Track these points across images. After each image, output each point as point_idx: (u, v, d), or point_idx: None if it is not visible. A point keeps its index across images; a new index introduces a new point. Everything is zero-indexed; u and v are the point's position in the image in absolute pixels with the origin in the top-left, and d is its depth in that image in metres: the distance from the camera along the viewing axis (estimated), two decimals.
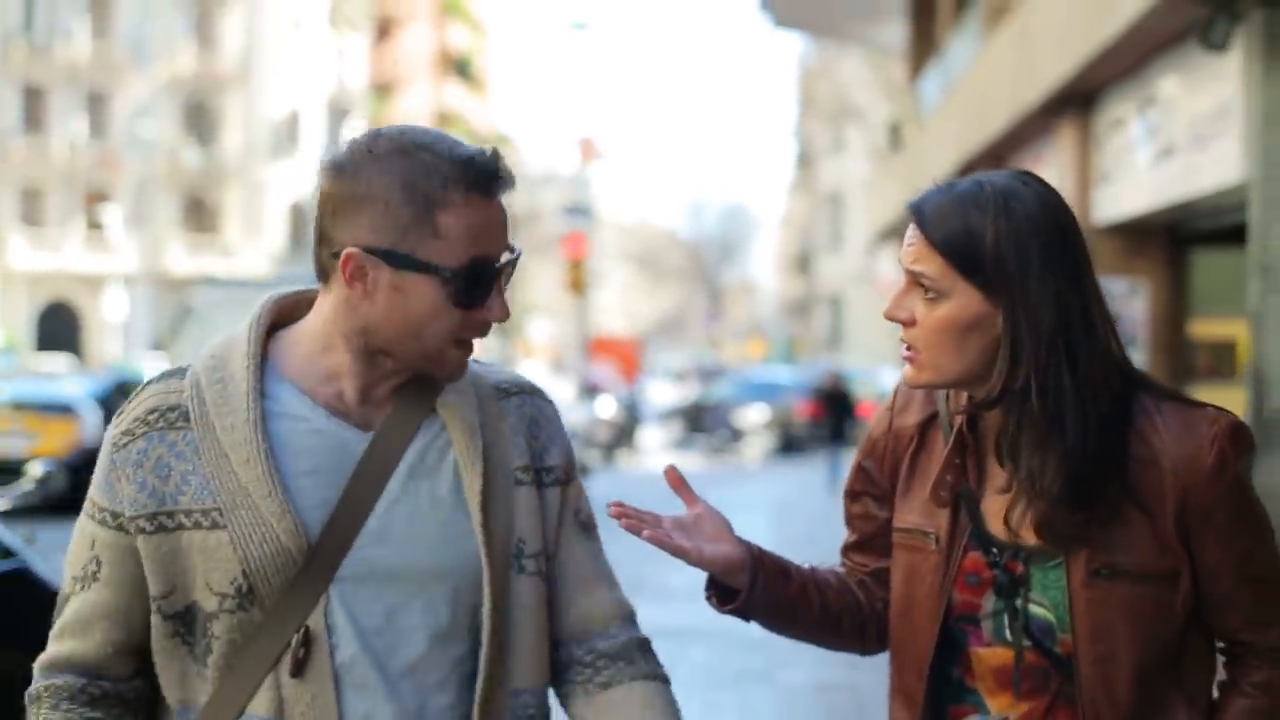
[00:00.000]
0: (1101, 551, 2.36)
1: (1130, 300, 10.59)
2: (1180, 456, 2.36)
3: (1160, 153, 9.22)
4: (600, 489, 23.24)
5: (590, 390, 34.72)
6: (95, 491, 2.26)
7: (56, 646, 2.28)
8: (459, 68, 76.42)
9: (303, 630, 2.18)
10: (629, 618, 2.42)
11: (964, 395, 2.46)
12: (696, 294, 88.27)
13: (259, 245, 58.22)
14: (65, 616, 2.28)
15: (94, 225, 55.94)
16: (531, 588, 2.31)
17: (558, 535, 2.38)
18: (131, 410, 2.27)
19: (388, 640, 2.22)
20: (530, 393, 2.43)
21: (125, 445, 2.23)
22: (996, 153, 14.39)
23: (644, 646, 2.41)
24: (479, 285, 2.21)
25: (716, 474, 28.50)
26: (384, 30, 69.22)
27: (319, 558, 2.19)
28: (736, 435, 36.05)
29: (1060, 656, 2.40)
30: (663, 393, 49.36)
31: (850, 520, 2.68)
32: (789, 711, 9.15)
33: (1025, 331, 2.35)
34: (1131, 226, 10.71)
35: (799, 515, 19.94)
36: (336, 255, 2.20)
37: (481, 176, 2.19)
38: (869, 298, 51.06)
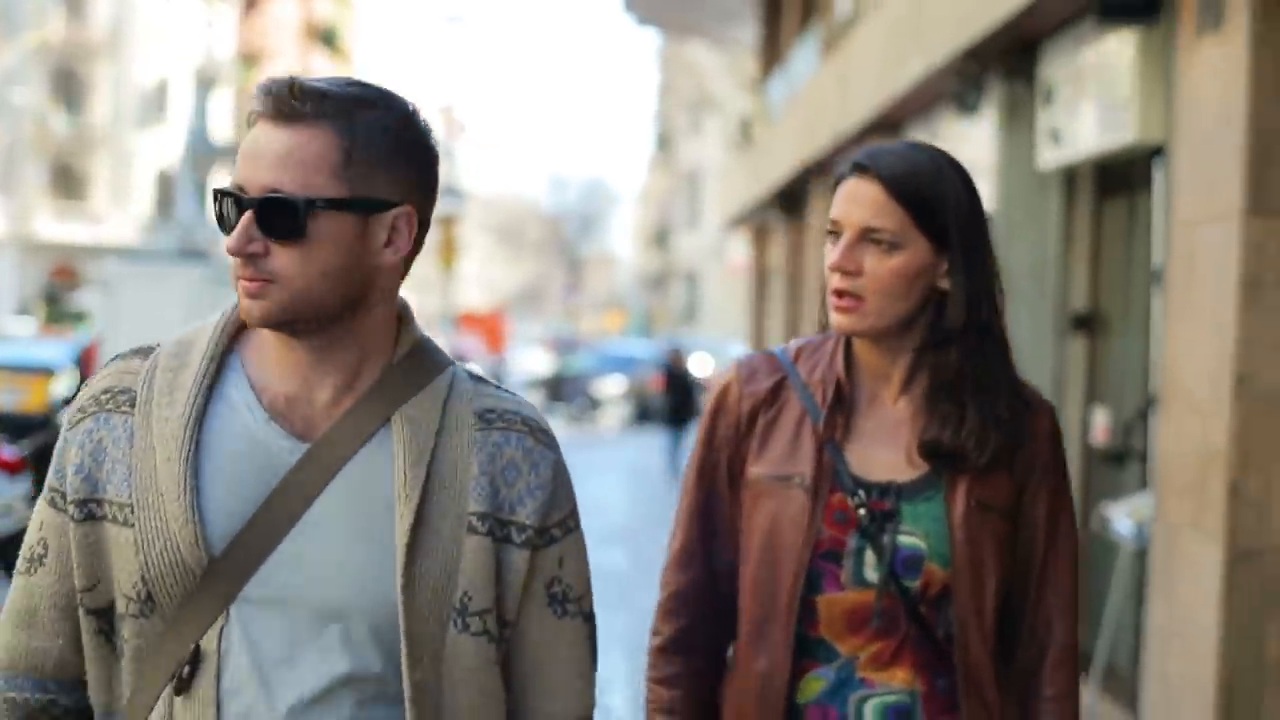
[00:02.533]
0: (978, 486, 2.56)
1: None
2: (1032, 427, 2.62)
3: None
4: None
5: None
6: (51, 468, 2.14)
7: (10, 639, 2.14)
8: (324, 38, 76.47)
9: (193, 648, 2.04)
10: (580, 716, 2.17)
11: (836, 355, 2.65)
12: (556, 266, 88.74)
13: (126, 213, 58.37)
14: (12, 599, 2.16)
15: None
16: (475, 649, 2.07)
17: (521, 604, 2.12)
18: (89, 387, 2.14)
19: (285, 673, 2.04)
20: (522, 430, 2.13)
21: (77, 423, 2.12)
22: (823, 167, 16.31)
23: None
24: (226, 213, 2.02)
25: (576, 440, 30.02)
26: (252, 1, 69.10)
27: (222, 574, 2.02)
28: (595, 404, 37.42)
29: (912, 592, 2.55)
30: (530, 360, 50.66)
31: (692, 516, 2.70)
32: None
33: (976, 281, 2.57)
34: None
35: (650, 478, 21.88)
36: None
37: (264, 99, 2.01)
38: (723, 275, 52.38)
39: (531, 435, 2.12)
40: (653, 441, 28.60)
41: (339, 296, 2.02)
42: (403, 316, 2.14)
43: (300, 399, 2.08)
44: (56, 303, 44.46)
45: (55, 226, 55.58)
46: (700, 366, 31.87)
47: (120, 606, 2.06)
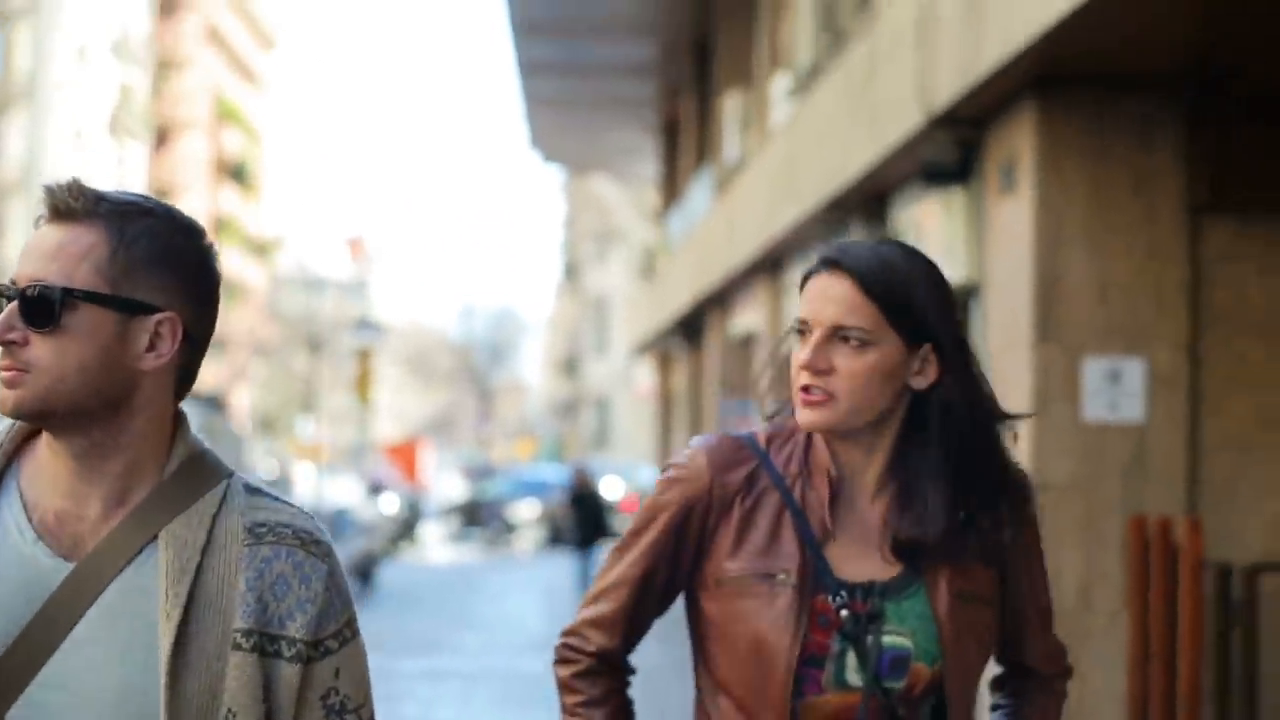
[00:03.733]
0: (958, 577, 2.53)
1: None
2: (1023, 506, 2.59)
3: None
4: (386, 578, 26.26)
5: (375, 488, 37.32)
6: None
7: None
8: (234, 173, 77.40)
9: None
10: None
11: (813, 449, 2.59)
12: (467, 395, 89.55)
13: None
14: None
15: None
16: None
17: (297, 717, 2.11)
18: None
19: None
20: (293, 544, 2.12)
21: None
22: (718, 298, 17.72)
23: None
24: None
25: (493, 563, 31.77)
26: (163, 138, 69.55)
27: None
28: (510, 528, 38.42)
29: (892, 693, 2.52)
30: (447, 488, 51.58)
31: (628, 584, 2.65)
32: None
33: (950, 375, 2.52)
34: None
35: (562, 595, 22.90)
36: None
37: (48, 196, 2.06)
38: (632, 400, 53.11)
39: (303, 548, 2.11)
40: (566, 564, 29.09)
41: (95, 393, 2.02)
42: (178, 428, 2.12)
43: (70, 515, 2.05)
44: None
45: None
46: (611, 489, 32.87)
47: None
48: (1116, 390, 6.80)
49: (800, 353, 2.53)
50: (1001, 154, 7.20)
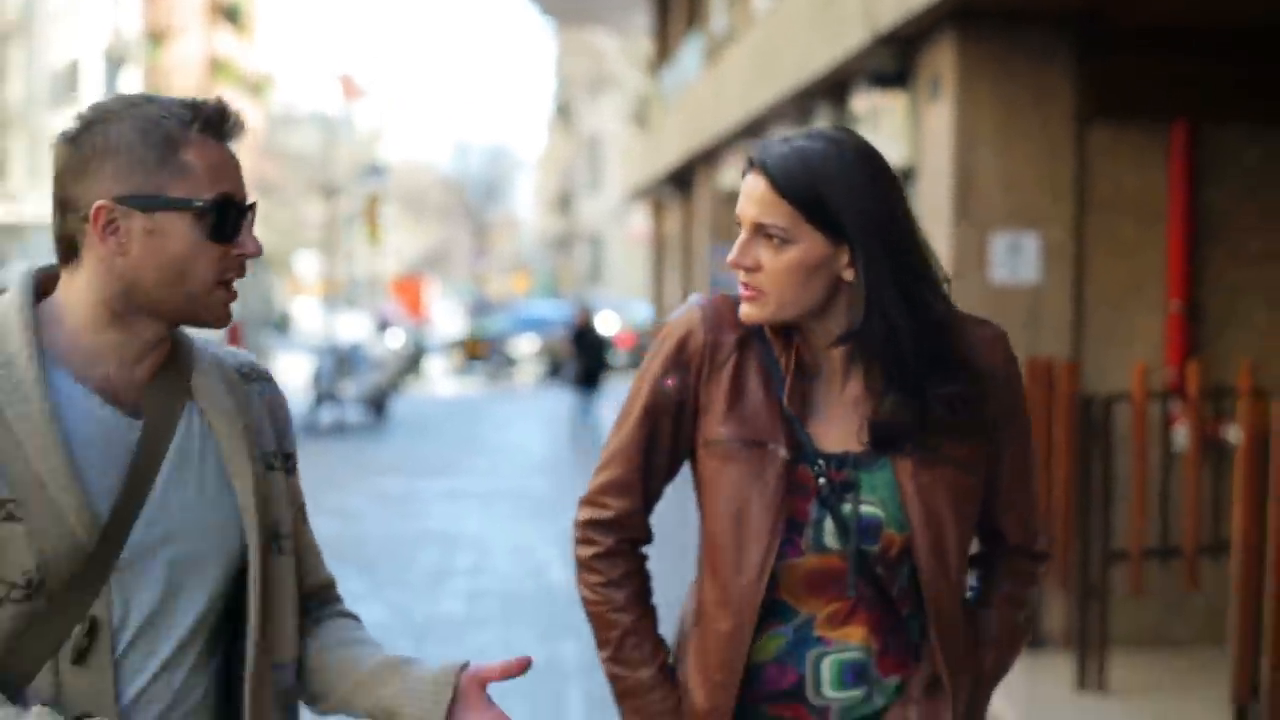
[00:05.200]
0: (922, 446, 2.56)
1: None
2: (986, 362, 2.61)
3: None
4: (396, 409, 27.40)
5: (383, 325, 38.46)
6: None
7: None
8: (229, 14, 76.71)
9: (88, 620, 2.14)
10: (334, 585, 2.54)
11: (808, 332, 2.60)
12: (461, 231, 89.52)
13: (43, 191, 58.50)
14: None
15: None
16: (288, 567, 2.35)
17: (294, 516, 2.40)
18: None
19: (162, 625, 2.21)
20: (267, 379, 2.41)
21: None
22: (706, 155, 19.09)
23: (340, 600, 2.54)
24: (230, 220, 2.18)
25: (495, 395, 32.86)
26: None
27: (104, 548, 2.15)
28: (510, 363, 39.05)
29: (869, 555, 2.57)
30: (452, 324, 51.36)
31: (633, 447, 2.69)
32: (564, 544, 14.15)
33: (871, 271, 2.50)
34: None
35: (562, 425, 24.12)
36: (86, 218, 2.15)
37: (214, 118, 2.19)
38: (626, 239, 53.36)
39: (272, 383, 2.43)
40: (563, 395, 29.50)
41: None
42: None
43: (120, 380, 2.21)
44: None
45: None
46: (607, 325, 33.28)
47: None
48: (1017, 259, 8.31)
49: (731, 250, 2.58)
50: (930, 70, 8.80)
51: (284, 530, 2.35)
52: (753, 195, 2.54)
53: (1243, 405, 5.80)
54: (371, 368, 26.22)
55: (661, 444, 2.69)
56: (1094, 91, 8.36)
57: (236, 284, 2.27)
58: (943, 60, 8.54)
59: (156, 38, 66.45)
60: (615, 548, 2.72)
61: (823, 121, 12.05)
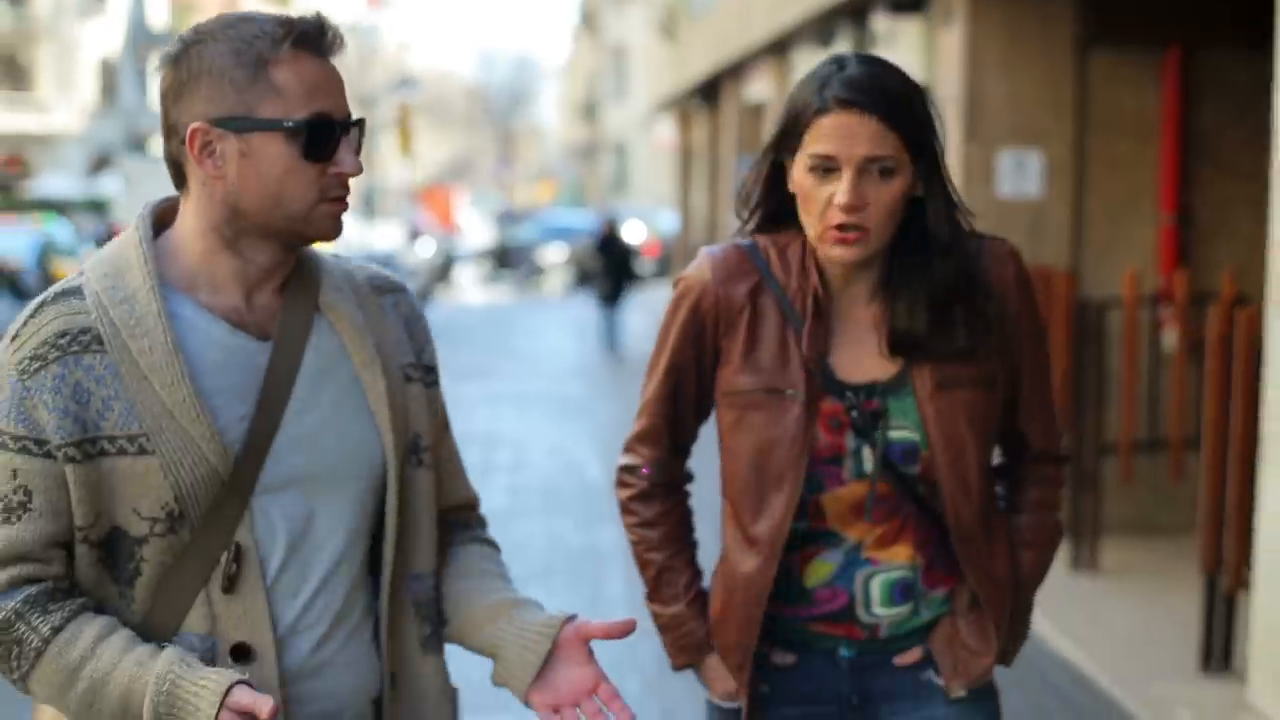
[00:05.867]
0: (942, 367, 2.60)
1: None
2: (999, 279, 2.64)
3: None
4: (430, 317, 27.76)
5: (414, 234, 38.85)
6: (3, 420, 2.12)
7: (3, 574, 2.13)
8: None
9: (233, 547, 2.15)
10: (474, 501, 2.53)
11: (808, 263, 2.64)
12: (486, 139, 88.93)
13: (72, 101, 57.35)
14: None
15: None
16: (427, 479, 2.34)
17: (435, 429, 2.39)
18: (33, 334, 2.14)
19: (310, 544, 2.22)
20: (401, 291, 2.39)
21: (37, 371, 2.11)
22: (732, 70, 19.56)
23: (481, 520, 2.54)
24: (325, 138, 2.14)
25: (526, 303, 33.17)
26: None
27: (241, 473, 2.15)
28: (538, 271, 39.34)
29: (911, 478, 2.62)
30: (480, 233, 51.35)
31: (659, 401, 2.76)
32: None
33: (936, 193, 2.59)
34: None
35: (592, 332, 24.35)
36: (184, 141, 2.13)
37: (308, 33, 2.14)
38: (651, 149, 52.82)
39: (407, 294, 2.40)
40: (591, 303, 29.22)
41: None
42: None
43: (244, 306, 2.20)
44: (8, 191, 42.99)
45: (4, 117, 53.04)
46: (633, 234, 33.14)
47: (137, 530, 2.12)
48: (1021, 175, 8.92)
49: (829, 190, 2.52)
50: None
51: (423, 443, 2.35)
52: (857, 131, 2.51)
53: (1212, 312, 6.46)
54: (405, 276, 26.65)
55: (686, 396, 2.75)
56: (1093, 18, 8.98)
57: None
58: None
59: None
60: (649, 490, 2.80)
61: (844, 41, 12.67)
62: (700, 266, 2.71)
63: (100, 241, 19.91)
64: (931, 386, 2.61)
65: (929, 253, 2.60)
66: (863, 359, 2.65)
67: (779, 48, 15.73)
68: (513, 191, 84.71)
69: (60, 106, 57.05)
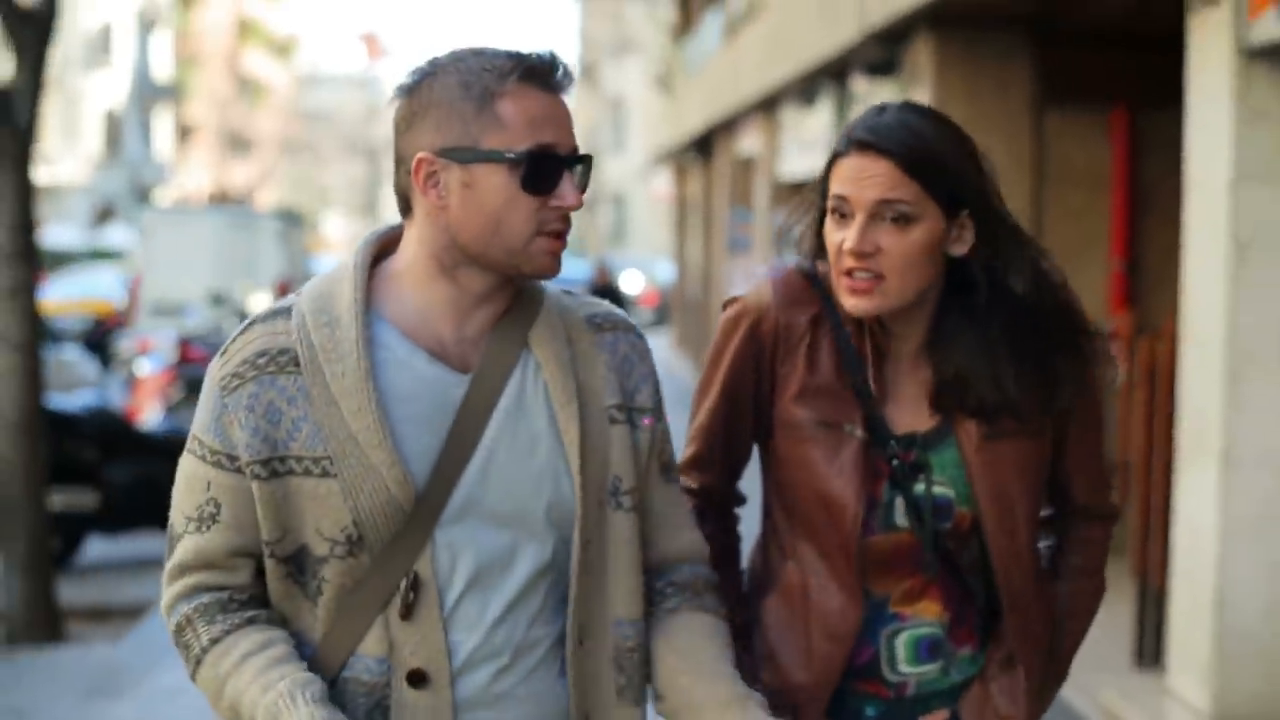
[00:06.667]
0: (987, 420, 2.50)
1: None
2: (1086, 368, 2.56)
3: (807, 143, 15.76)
4: None
5: None
6: (204, 433, 2.19)
7: (186, 580, 2.22)
8: None
9: (411, 575, 2.16)
10: (700, 559, 2.41)
11: (893, 314, 2.50)
12: None
13: (77, 152, 57.04)
14: (184, 556, 2.22)
15: None
16: (629, 523, 2.28)
17: (646, 474, 2.32)
18: (238, 351, 2.20)
19: (492, 579, 2.20)
20: (624, 329, 2.34)
21: (235, 388, 2.18)
22: (725, 125, 20.36)
23: (712, 585, 2.40)
24: (547, 171, 2.15)
25: None
26: None
27: (425, 503, 2.16)
28: None
29: (944, 533, 2.52)
30: None
31: (712, 425, 2.62)
32: None
33: (995, 240, 2.47)
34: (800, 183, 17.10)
35: None
36: (410, 171, 2.17)
37: (536, 68, 2.16)
38: (649, 199, 54.51)
39: (633, 331, 2.36)
40: None
41: None
42: None
43: (450, 337, 2.21)
44: None
45: None
46: (630, 284, 34.00)
47: (320, 550, 2.17)
48: None
49: (842, 235, 2.44)
50: (911, 63, 10.29)
51: (625, 486, 2.28)
52: (870, 175, 2.43)
53: (1140, 347, 7.29)
54: None
55: (743, 421, 2.62)
56: (1047, 81, 9.86)
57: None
58: (922, 56, 10.03)
59: (187, 1, 67.13)
60: (699, 508, 2.62)
61: (827, 100, 13.54)
62: (761, 288, 2.61)
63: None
64: (979, 437, 2.53)
65: (975, 310, 2.51)
66: (905, 408, 2.56)
67: (768, 105, 16.56)
68: None
69: (65, 158, 57.32)
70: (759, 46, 16.04)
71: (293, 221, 23.81)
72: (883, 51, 10.74)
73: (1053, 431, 2.59)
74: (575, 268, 45.72)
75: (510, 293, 2.27)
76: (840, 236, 2.47)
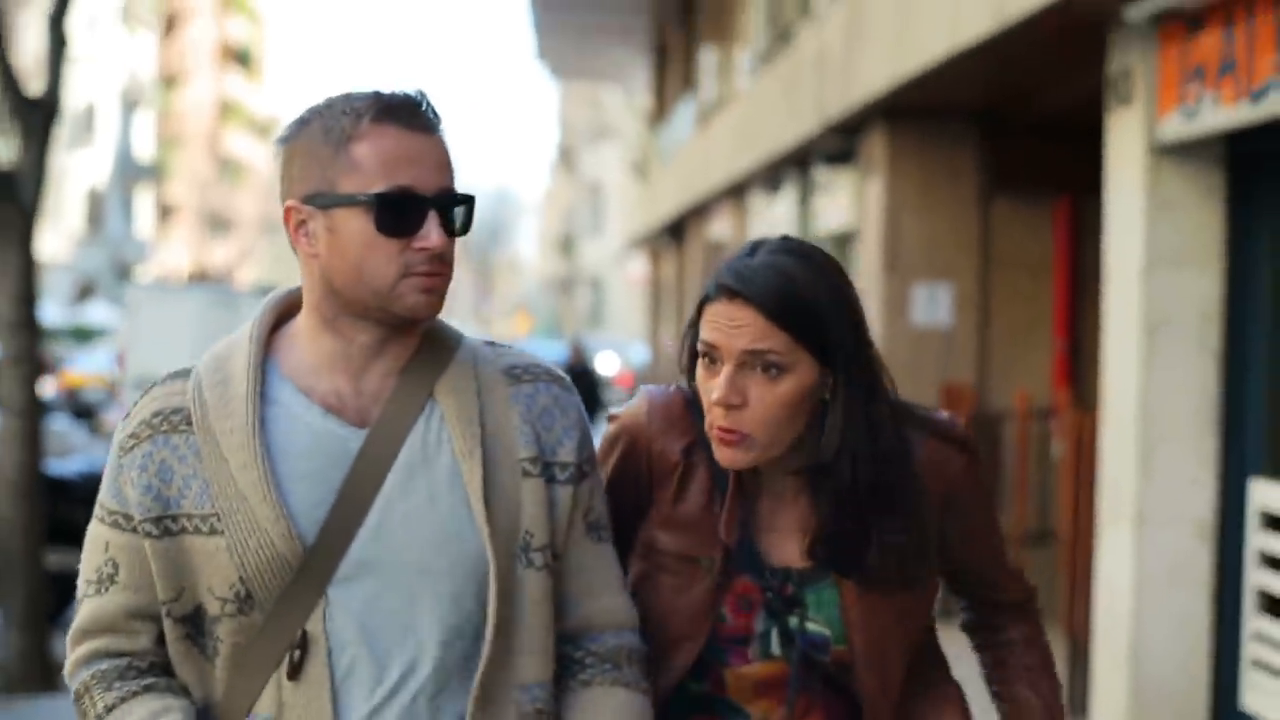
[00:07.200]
0: (869, 571, 2.38)
1: None
2: (940, 471, 2.43)
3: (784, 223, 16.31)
4: None
5: None
6: (104, 494, 2.17)
7: (87, 645, 2.19)
8: (239, 58, 75.78)
9: (300, 634, 2.09)
10: (626, 625, 2.29)
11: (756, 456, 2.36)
12: (465, 272, 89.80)
13: (59, 229, 56.11)
14: (84, 620, 2.19)
15: None
16: (539, 582, 2.17)
17: (567, 534, 2.22)
18: (137, 413, 2.18)
19: (390, 641, 2.11)
20: (547, 380, 2.25)
21: (131, 449, 2.15)
22: (697, 210, 20.89)
23: (633, 656, 2.29)
24: (404, 213, 2.07)
25: None
26: (171, 25, 67.86)
27: (315, 561, 2.09)
28: None
29: (825, 664, 2.43)
30: None
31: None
32: None
33: (850, 396, 2.34)
34: None
35: None
36: (285, 221, 2.11)
37: (393, 105, 2.09)
38: (626, 282, 54.41)
39: (556, 383, 2.25)
40: None
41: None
42: None
43: (348, 390, 2.14)
44: None
45: None
46: (606, 365, 34.31)
47: (213, 609, 2.11)
48: (934, 305, 10.28)
49: (710, 383, 2.34)
50: (867, 153, 10.85)
51: (537, 542, 2.18)
52: (737, 324, 2.30)
53: (1067, 421, 7.82)
54: None
55: (622, 533, 2.45)
56: (995, 170, 10.45)
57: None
58: (876, 147, 10.60)
59: (170, 81, 66.63)
60: None
61: (791, 187, 14.14)
62: (637, 409, 2.52)
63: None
64: (858, 591, 2.42)
65: (829, 461, 2.38)
66: (785, 543, 2.45)
67: (737, 191, 17.10)
68: (491, 324, 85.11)
69: (48, 235, 57.10)
70: (728, 136, 16.57)
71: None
72: (841, 142, 11.31)
73: (955, 558, 2.54)
74: (550, 348, 46.30)
75: (408, 344, 2.21)
76: (710, 386, 2.36)
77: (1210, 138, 6.29)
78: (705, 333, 2.36)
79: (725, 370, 2.32)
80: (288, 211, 2.13)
